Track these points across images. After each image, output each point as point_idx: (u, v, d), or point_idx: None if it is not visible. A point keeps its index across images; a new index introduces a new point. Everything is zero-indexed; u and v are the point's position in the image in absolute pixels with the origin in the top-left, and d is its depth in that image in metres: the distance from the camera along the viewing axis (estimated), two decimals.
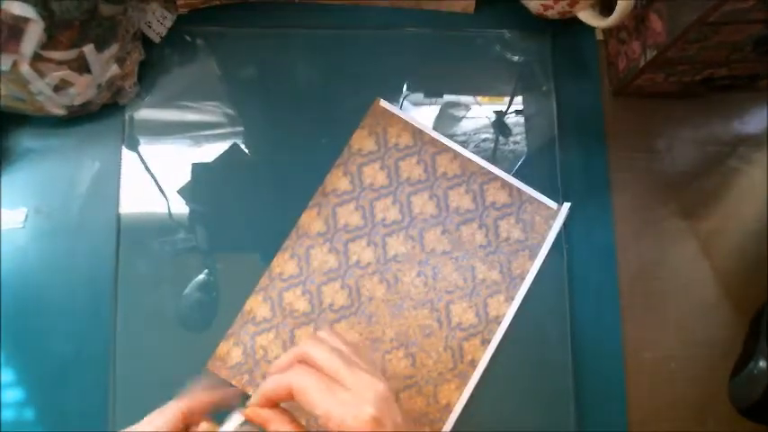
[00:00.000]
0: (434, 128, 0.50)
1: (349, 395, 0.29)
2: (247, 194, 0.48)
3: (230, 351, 0.45)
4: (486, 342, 0.46)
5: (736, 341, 0.50)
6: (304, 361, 0.32)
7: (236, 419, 0.34)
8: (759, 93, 0.53)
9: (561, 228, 0.49)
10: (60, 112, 0.45)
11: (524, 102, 0.51)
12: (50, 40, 0.38)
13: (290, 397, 0.31)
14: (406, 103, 0.50)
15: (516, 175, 0.49)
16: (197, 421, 0.34)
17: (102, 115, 0.48)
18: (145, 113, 0.49)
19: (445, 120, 0.51)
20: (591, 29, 0.51)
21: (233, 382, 0.45)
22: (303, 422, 0.44)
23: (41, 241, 0.46)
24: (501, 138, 0.51)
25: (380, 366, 0.46)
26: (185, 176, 0.48)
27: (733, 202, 0.52)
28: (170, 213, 0.47)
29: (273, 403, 0.32)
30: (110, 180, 0.48)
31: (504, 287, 0.47)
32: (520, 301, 0.47)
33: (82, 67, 0.41)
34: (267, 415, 0.32)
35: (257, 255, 0.47)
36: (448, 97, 0.51)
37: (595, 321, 0.48)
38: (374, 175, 0.48)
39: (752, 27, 0.40)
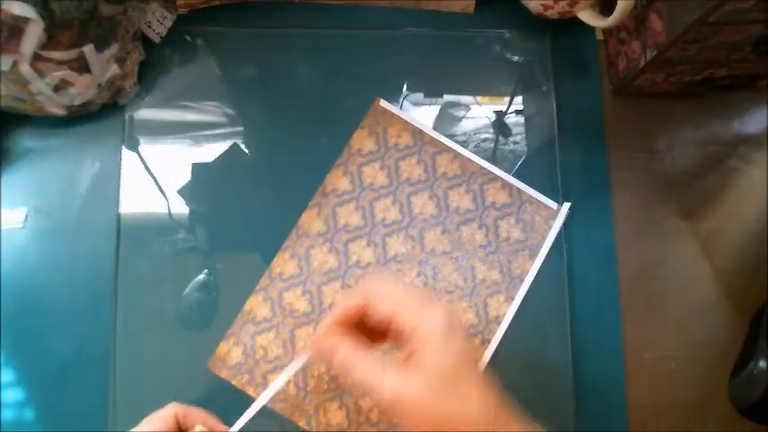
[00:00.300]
0: (434, 128, 0.50)
1: (419, 308, 0.30)
2: (247, 194, 0.48)
3: (230, 351, 0.45)
4: (486, 342, 0.46)
5: (736, 341, 0.50)
6: (368, 298, 0.32)
7: (295, 363, 0.34)
8: (759, 93, 0.53)
9: (561, 228, 0.49)
10: (60, 112, 0.45)
11: (524, 102, 0.51)
12: (50, 40, 0.38)
13: (362, 314, 0.32)
14: (406, 103, 0.50)
15: (516, 175, 0.49)
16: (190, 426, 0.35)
17: (102, 115, 0.48)
18: (145, 113, 0.49)
19: (445, 120, 0.51)
20: (591, 29, 0.51)
21: (233, 382, 0.45)
22: (303, 423, 0.45)
23: (41, 241, 0.46)
24: (501, 138, 0.51)
25: None
26: (185, 176, 0.48)
27: (733, 202, 0.52)
28: (170, 213, 0.47)
29: (344, 326, 0.32)
30: (110, 180, 0.48)
31: (504, 287, 0.47)
32: (520, 301, 0.47)
33: (82, 67, 0.41)
34: (335, 341, 0.31)
35: (257, 255, 0.47)
36: (448, 97, 0.51)
37: (595, 321, 0.48)
38: (374, 175, 0.49)
39: (752, 27, 0.40)
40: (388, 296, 0.31)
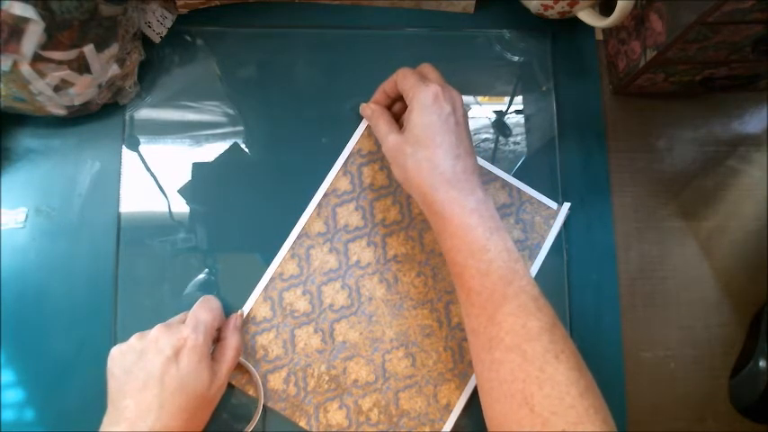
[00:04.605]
0: None
1: (418, 86, 0.41)
2: (247, 194, 0.48)
3: None
4: None
5: (736, 341, 0.50)
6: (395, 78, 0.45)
7: (361, 127, 0.49)
8: (759, 93, 0.53)
9: (561, 228, 0.49)
10: (60, 112, 0.45)
11: (524, 102, 0.51)
12: (50, 40, 0.38)
13: (397, 88, 0.44)
14: None
15: (516, 175, 0.49)
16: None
17: (102, 115, 0.48)
18: (145, 113, 0.49)
19: None
20: (591, 29, 0.51)
21: (233, 382, 0.45)
22: (303, 423, 0.45)
23: (41, 241, 0.46)
24: (501, 138, 0.51)
25: (380, 367, 0.46)
26: (185, 176, 0.48)
27: (733, 201, 0.52)
28: (170, 213, 0.47)
29: (386, 98, 0.46)
30: (110, 180, 0.48)
31: None
32: None
33: (82, 67, 0.41)
34: (371, 109, 0.46)
35: (257, 255, 0.47)
36: None
37: (595, 321, 0.48)
38: (374, 175, 0.49)
39: (752, 27, 0.40)
40: (405, 78, 0.42)
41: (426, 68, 0.44)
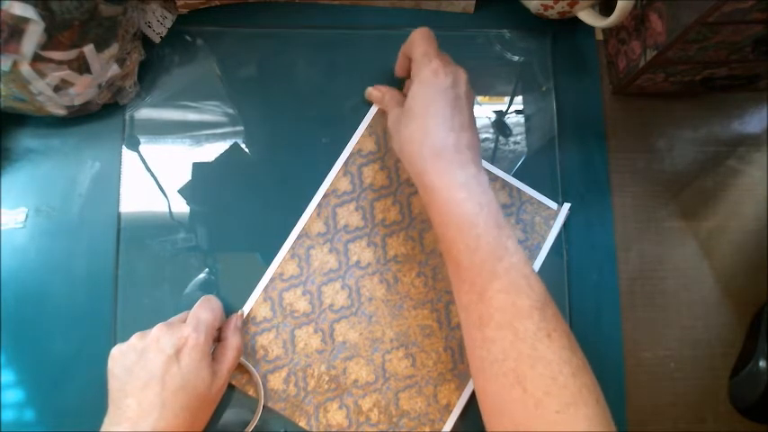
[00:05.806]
0: None
1: (419, 61, 0.41)
2: (247, 194, 0.48)
3: None
4: None
5: (736, 341, 0.50)
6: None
7: (370, 113, 0.49)
8: (759, 93, 0.53)
9: (561, 228, 0.49)
10: (60, 112, 0.45)
11: (524, 101, 0.51)
12: (50, 40, 0.38)
13: (409, 52, 0.43)
14: None
15: (516, 175, 0.49)
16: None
17: (102, 115, 0.48)
18: (145, 113, 0.49)
19: None
20: (591, 29, 0.51)
21: (233, 382, 0.45)
22: (303, 423, 0.45)
23: (41, 241, 0.46)
24: (501, 138, 0.51)
25: (380, 367, 0.46)
26: (185, 176, 0.48)
27: (733, 202, 0.52)
28: (170, 213, 0.47)
29: (407, 60, 0.44)
30: (110, 180, 0.48)
31: None
32: None
33: (82, 67, 0.41)
34: (380, 92, 0.48)
35: (257, 255, 0.47)
36: None
37: (595, 321, 0.48)
38: (374, 175, 0.49)
39: (752, 27, 0.40)
40: (417, 47, 0.42)
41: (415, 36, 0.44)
